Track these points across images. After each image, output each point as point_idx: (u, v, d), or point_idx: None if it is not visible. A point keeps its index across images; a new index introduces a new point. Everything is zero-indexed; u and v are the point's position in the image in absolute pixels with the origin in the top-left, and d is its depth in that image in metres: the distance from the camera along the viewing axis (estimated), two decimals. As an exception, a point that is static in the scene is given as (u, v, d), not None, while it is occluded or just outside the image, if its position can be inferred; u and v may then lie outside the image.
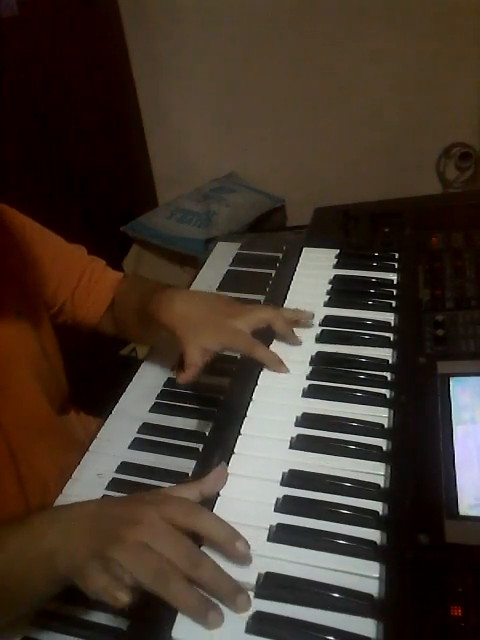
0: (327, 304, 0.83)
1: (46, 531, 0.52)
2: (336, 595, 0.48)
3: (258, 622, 0.47)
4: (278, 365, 0.71)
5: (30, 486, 0.74)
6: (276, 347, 0.75)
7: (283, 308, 0.81)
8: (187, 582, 0.47)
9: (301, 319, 0.77)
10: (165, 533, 0.49)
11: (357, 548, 0.52)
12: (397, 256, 0.91)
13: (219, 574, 0.48)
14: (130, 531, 0.48)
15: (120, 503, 0.55)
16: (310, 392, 0.69)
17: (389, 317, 0.79)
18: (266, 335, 0.75)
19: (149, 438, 0.75)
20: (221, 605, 0.48)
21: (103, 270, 0.95)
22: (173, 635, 0.47)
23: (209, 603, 0.47)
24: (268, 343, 0.75)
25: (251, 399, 0.68)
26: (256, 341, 0.71)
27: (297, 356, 0.74)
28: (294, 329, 0.76)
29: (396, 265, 0.89)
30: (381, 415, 0.65)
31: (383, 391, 0.68)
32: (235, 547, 0.50)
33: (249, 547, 0.50)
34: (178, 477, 0.69)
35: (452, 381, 0.65)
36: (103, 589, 0.46)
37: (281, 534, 0.54)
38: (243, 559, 0.50)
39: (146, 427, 0.76)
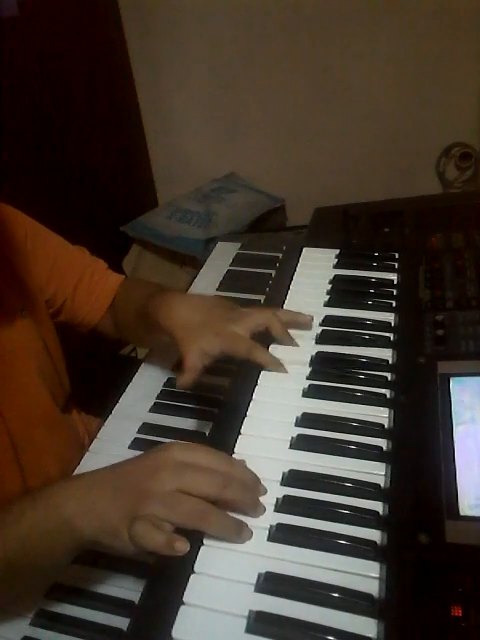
0: (327, 304, 0.83)
1: (63, 501, 0.53)
2: (336, 595, 0.49)
3: (258, 622, 0.47)
4: (277, 367, 0.71)
5: (32, 479, 0.74)
6: (276, 348, 0.75)
7: (282, 310, 0.80)
8: (220, 511, 0.52)
9: (300, 321, 0.77)
10: (185, 471, 0.52)
11: (357, 548, 0.52)
12: (397, 256, 0.91)
13: (243, 490, 0.54)
14: (154, 483, 0.52)
15: (132, 462, 0.56)
16: (310, 392, 0.69)
17: (389, 317, 0.79)
18: (265, 338, 0.74)
19: (149, 438, 0.75)
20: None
21: (104, 271, 0.95)
22: (173, 635, 0.47)
23: (241, 522, 0.53)
24: (268, 345, 0.74)
25: (251, 399, 0.68)
26: (255, 344, 0.71)
27: (297, 356, 0.74)
28: (292, 330, 0.76)
29: (396, 265, 0.89)
30: (381, 415, 0.65)
31: (383, 391, 0.68)
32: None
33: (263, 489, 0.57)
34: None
35: (452, 381, 0.65)
36: (164, 544, 0.49)
37: (281, 534, 0.54)
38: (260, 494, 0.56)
39: (146, 427, 0.76)
